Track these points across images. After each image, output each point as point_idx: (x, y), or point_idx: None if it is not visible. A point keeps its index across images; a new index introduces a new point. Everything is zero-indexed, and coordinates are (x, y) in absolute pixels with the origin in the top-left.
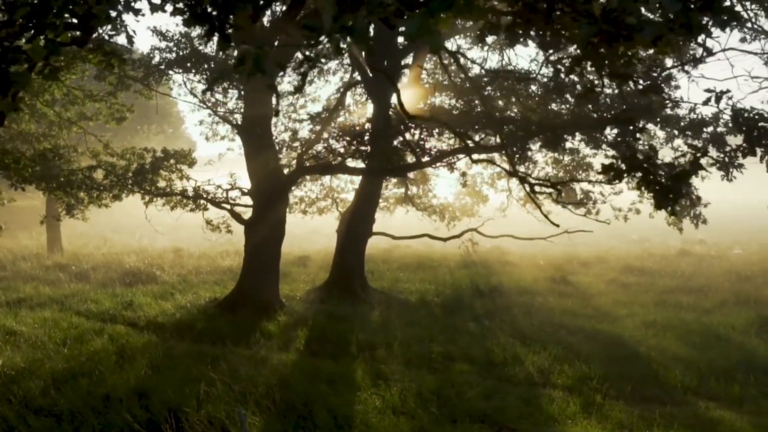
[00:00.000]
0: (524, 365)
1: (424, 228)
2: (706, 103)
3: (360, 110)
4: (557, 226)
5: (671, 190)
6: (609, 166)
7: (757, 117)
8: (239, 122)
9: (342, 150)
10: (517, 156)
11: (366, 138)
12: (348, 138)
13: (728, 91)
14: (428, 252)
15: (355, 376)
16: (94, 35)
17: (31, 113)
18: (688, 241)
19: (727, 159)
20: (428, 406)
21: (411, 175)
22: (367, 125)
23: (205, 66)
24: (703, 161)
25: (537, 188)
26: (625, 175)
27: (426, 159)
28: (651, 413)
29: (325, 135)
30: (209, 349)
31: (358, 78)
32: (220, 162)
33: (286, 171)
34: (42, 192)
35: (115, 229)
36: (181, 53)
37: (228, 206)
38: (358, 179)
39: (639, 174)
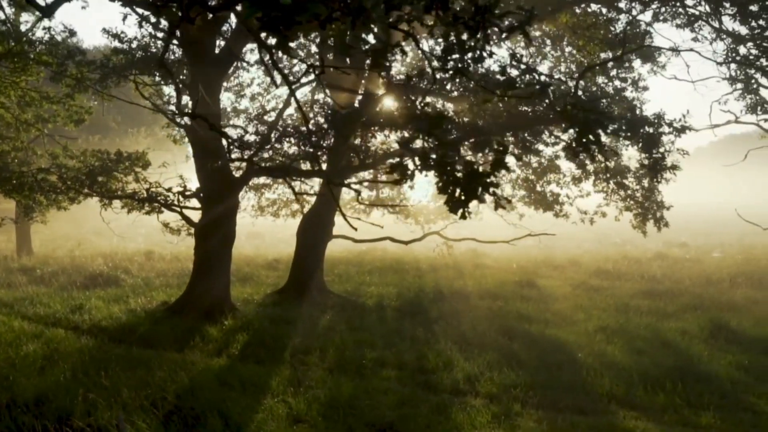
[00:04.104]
0: (453, 372)
1: (402, 230)
2: (531, 96)
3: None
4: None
5: (466, 192)
6: (397, 165)
7: (586, 110)
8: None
9: (290, 152)
10: (457, 158)
11: (313, 139)
12: (294, 140)
13: (551, 84)
14: (403, 255)
15: (272, 382)
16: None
17: None
18: (670, 243)
19: (652, 160)
20: (334, 414)
21: (384, 177)
22: (312, 127)
23: (157, 67)
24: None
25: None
26: (419, 172)
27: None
28: (563, 422)
29: (276, 136)
30: (139, 354)
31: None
32: (188, 164)
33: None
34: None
35: (97, 231)
36: (135, 55)
37: (178, 209)
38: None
39: (434, 174)
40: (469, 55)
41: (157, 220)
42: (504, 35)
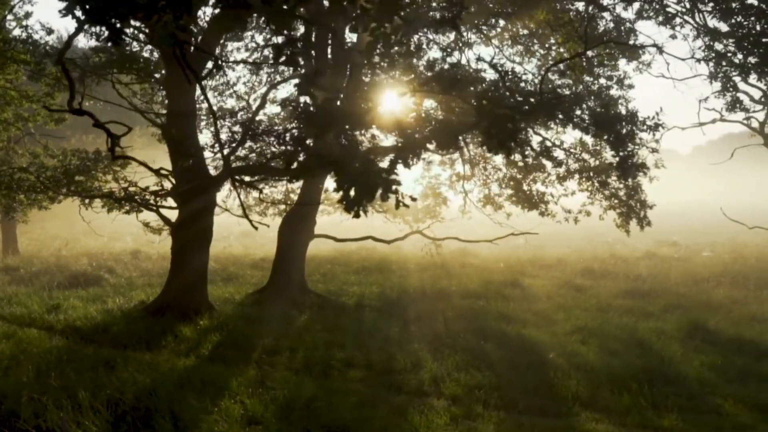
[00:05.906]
0: (420, 373)
1: (391, 229)
2: (446, 91)
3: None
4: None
5: (362, 190)
6: (290, 160)
7: (495, 105)
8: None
9: (265, 150)
10: (414, 158)
11: (286, 137)
12: (267, 138)
13: (459, 79)
14: (390, 255)
15: (232, 383)
16: None
17: None
18: (661, 242)
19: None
20: (290, 415)
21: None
22: (288, 125)
23: (135, 66)
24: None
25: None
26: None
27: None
28: (521, 425)
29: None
30: (107, 354)
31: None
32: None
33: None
34: None
35: (87, 231)
36: (114, 54)
37: (154, 207)
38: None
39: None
40: (396, 48)
41: (136, 219)
42: (434, 29)
